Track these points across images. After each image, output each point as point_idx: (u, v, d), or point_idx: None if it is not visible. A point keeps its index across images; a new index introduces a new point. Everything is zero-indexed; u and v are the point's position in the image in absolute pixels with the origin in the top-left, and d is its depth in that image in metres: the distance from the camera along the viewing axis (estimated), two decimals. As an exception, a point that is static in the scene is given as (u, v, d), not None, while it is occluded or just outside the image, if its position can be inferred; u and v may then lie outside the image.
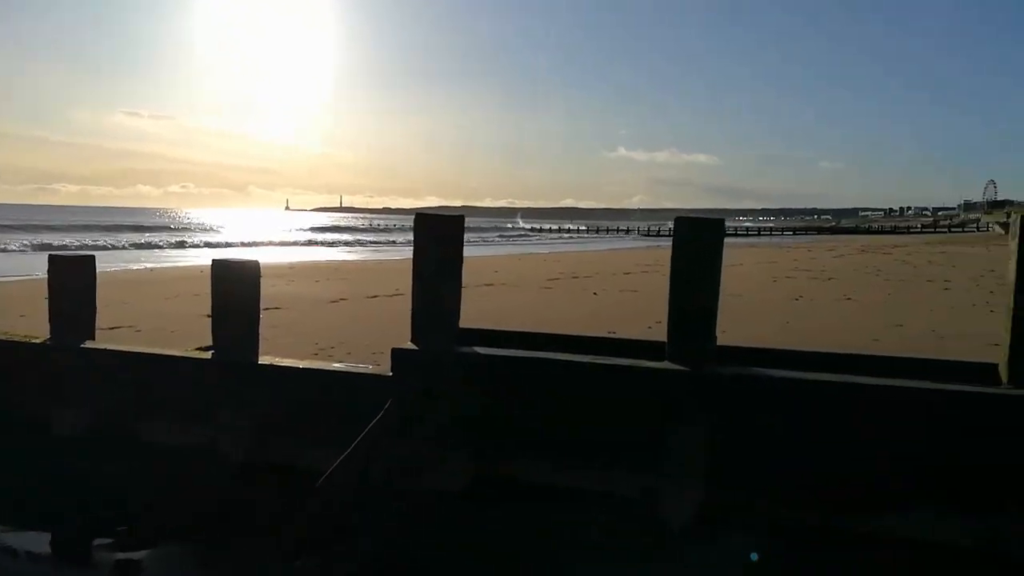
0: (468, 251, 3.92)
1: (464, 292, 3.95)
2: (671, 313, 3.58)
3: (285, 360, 4.35)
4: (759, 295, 13.81)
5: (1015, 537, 2.90)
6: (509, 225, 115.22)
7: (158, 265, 25.52)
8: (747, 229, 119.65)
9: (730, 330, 8.56)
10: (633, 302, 11.91)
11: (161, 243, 43.12)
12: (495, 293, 13.45)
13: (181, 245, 42.43)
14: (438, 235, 3.81)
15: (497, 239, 67.92)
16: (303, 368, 4.18)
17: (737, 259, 28.63)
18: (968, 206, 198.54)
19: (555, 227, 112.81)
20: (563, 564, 3.50)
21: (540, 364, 3.63)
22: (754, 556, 3.17)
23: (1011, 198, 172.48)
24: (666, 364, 3.54)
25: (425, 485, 3.72)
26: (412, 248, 3.84)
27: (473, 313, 10.45)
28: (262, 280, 4.29)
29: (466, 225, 3.95)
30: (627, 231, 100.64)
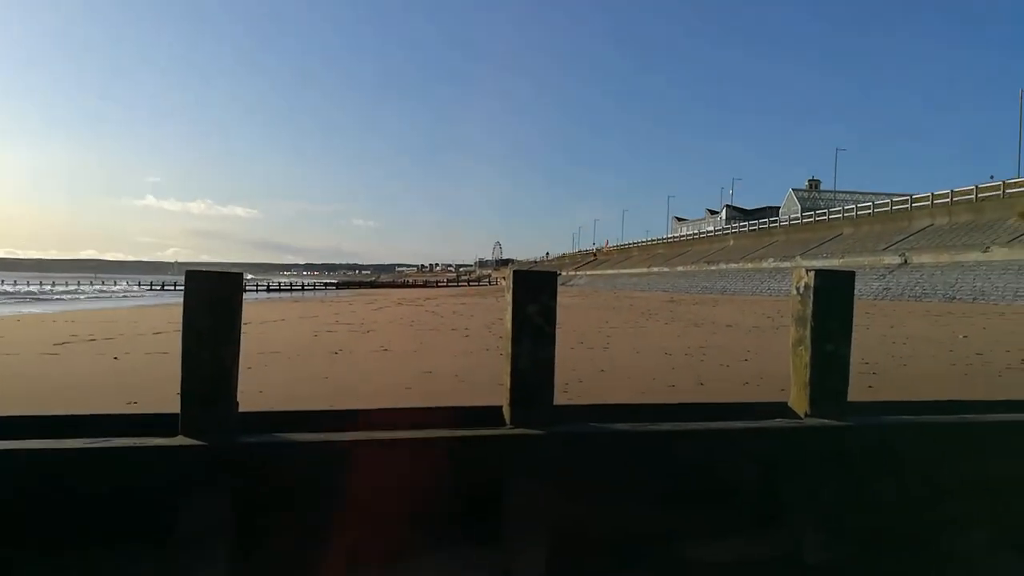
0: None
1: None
2: (184, 379, 3.12)
3: None
4: (301, 350, 13.70)
5: (527, 566, 3.14)
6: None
7: None
8: (291, 284, 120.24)
9: (268, 390, 8.31)
10: (164, 366, 10.74)
11: None
12: (-21, 364, 10.91)
13: None
14: None
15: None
16: None
17: (280, 314, 28.39)
18: (482, 263, 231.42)
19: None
20: None
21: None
22: None
23: (513, 257, 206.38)
24: (179, 440, 3.07)
25: None
26: None
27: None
28: None
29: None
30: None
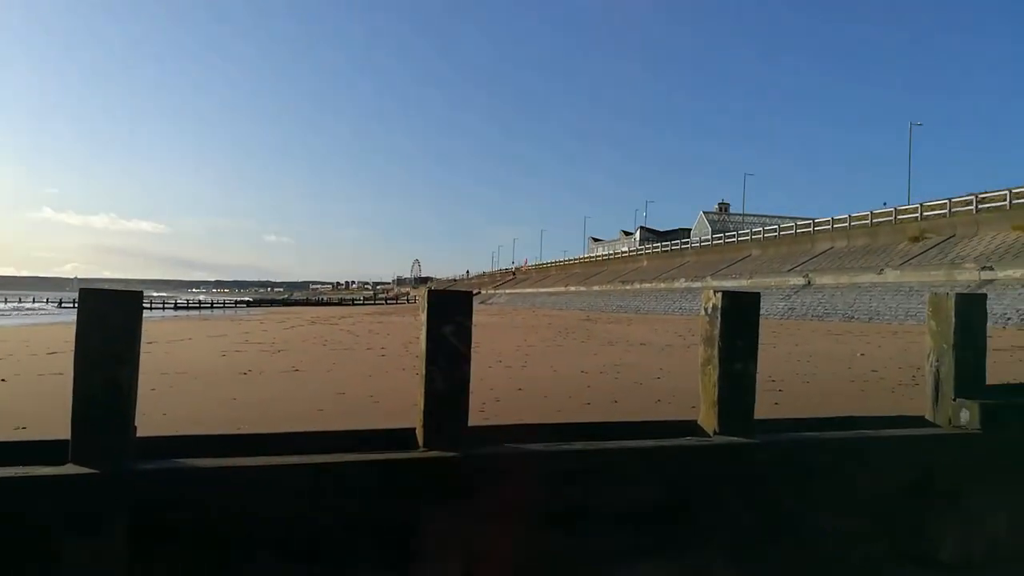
0: None
1: None
2: (75, 403, 2.93)
3: None
4: (208, 371, 13.19)
5: None
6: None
7: None
8: (200, 302, 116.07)
9: (172, 413, 7.95)
10: (58, 388, 10.13)
11: None
12: None
13: None
14: None
15: None
16: None
17: (188, 333, 27.34)
18: (400, 281, 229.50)
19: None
20: None
21: None
22: None
23: (432, 275, 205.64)
24: (69, 468, 2.87)
25: None
26: None
27: None
28: None
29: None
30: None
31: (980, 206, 40.45)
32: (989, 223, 38.87)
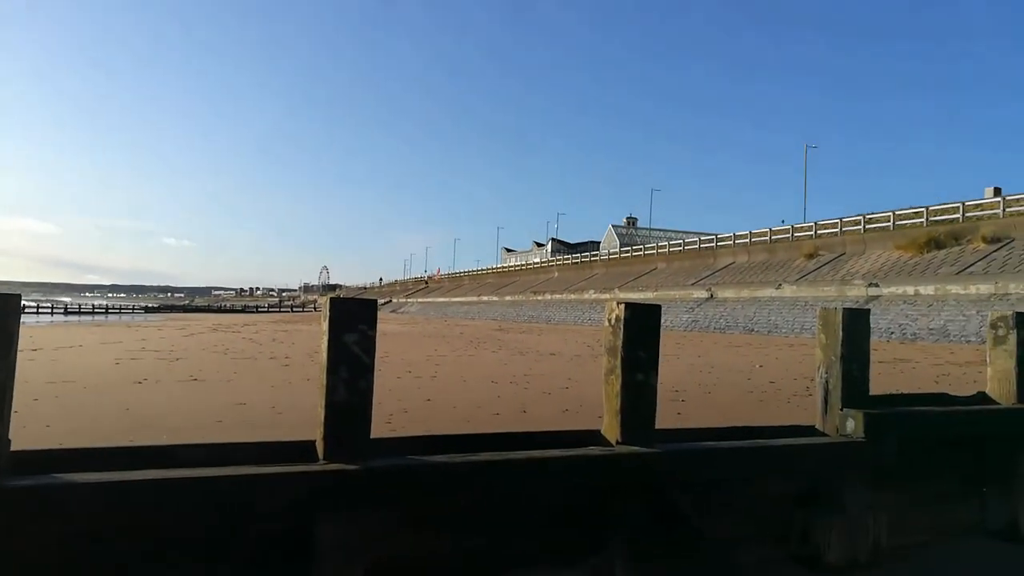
0: None
1: None
2: None
3: None
4: (99, 380, 12.51)
5: None
6: None
7: None
8: (93, 307, 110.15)
9: (57, 424, 7.50)
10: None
11: None
12: None
13: None
14: None
15: None
16: None
17: (78, 339, 25.94)
18: (307, 288, 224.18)
19: None
20: None
21: None
22: None
23: (342, 283, 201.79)
24: None
25: None
26: None
27: None
28: None
29: None
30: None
31: (867, 226, 42.96)
32: (875, 242, 41.34)
